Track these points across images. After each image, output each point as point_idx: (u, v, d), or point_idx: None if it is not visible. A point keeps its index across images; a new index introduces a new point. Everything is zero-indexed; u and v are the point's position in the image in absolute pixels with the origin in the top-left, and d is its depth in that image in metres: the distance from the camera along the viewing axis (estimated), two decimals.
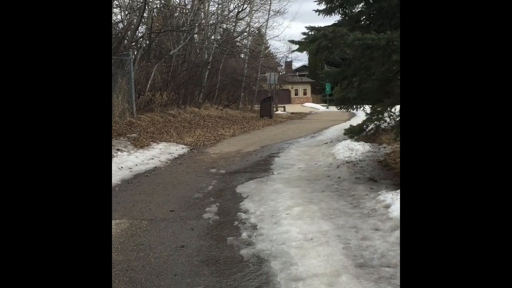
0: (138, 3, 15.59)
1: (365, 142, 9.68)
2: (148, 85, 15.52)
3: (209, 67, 21.42)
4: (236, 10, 24.69)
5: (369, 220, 4.60)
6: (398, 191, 4.93)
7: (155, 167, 8.70)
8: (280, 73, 35.33)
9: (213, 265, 3.74)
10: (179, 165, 8.96)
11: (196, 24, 20.07)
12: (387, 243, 3.89)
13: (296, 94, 52.84)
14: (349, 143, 9.66)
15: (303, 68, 55.21)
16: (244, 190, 6.44)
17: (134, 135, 11.35)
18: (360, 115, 19.05)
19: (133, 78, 13.69)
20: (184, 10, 20.56)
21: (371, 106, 8.70)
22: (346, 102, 9.58)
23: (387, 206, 4.81)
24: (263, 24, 27.95)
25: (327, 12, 7.88)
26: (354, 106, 9.75)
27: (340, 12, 7.86)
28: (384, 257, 3.64)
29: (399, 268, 3.12)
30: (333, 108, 35.14)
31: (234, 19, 25.10)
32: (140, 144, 10.64)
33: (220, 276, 3.50)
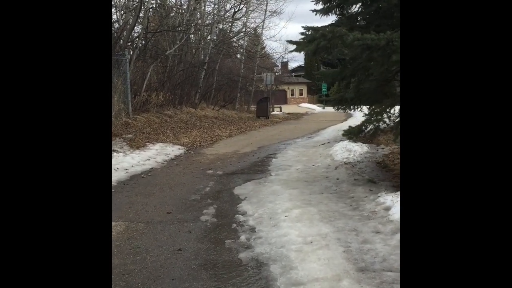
0: (134, 3, 15.49)
1: (363, 143, 9.63)
2: (144, 85, 15.42)
3: (205, 67, 21.33)
4: (233, 10, 24.63)
5: (369, 222, 4.53)
6: (398, 193, 4.88)
7: (152, 168, 8.61)
8: (276, 74, 35.29)
9: (212, 269, 3.67)
10: (175, 166, 8.88)
11: (192, 24, 19.96)
12: (389, 247, 3.83)
13: (292, 94, 52.80)
14: (347, 144, 9.61)
15: (299, 68, 55.12)
16: (242, 192, 6.37)
17: (130, 135, 11.25)
18: (356, 115, 19.02)
19: (129, 78, 13.58)
20: (180, 10, 20.46)
21: (368, 107, 8.66)
22: (344, 103, 9.54)
23: (387, 209, 4.75)
24: (260, 25, 27.87)
25: (324, 12, 7.82)
26: (352, 107, 9.71)
27: (337, 12, 7.80)
28: (385, 261, 3.58)
29: None
30: (329, 109, 35.22)
31: (231, 19, 25.01)
32: (136, 145, 10.55)
33: (218, 281, 3.43)
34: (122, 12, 16.24)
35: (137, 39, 16.34)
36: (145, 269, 3.67)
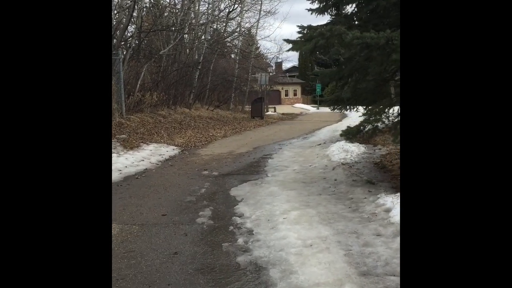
0: (127, 2, 15.33)
1: (360, 143, 9.54)
2: (138, 85, 15.26)
3: (199, 67, 21.20)
4: (227, 10, 24.51)
5: (369, 225, 4.43)
6: (398, 194, 4.79)
7: (146, 169, 8.48)
8: (271, 74, 35.18)
9: (209, 273, 3.55)
10: (170, 167, 8.75)
11: (187, 24, 19.82)
12: (391, 250, 3.73)
13: (287, 95, 52.73)
14: (343, 144, 9.52)
15: (293, 69, 55.10)
16: (238, 193, 6.25)
17: (123, 136, 11.11)
18: (352, 116, 19.01)
19: (122, 78, 13.42)
20: (174, 10, 20.32)
21: (365, 107, 8.57)
22: (340, 103, 9.45)
23: (388, 210, 4.66)
24: (254, 25, 27.76)
25: (320, 11, 7.73)
26: (348, 107, 9.62)
27: (333, 12, 7.71)
28: (388, 264, 3.48)
29: None
30: (323, 109, 35.18)
31: (225, 19, 24.89)
32: (130, 145, 10.40)
33: (216, 286, 3.32)
34: (115, 11, 16.08)
35: (130, 38, 16.19)
36: (140, 273, 3.55)
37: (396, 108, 5.78)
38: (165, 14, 19.94)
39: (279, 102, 47.93)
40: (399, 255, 3.56)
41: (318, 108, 39.20)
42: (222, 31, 25.88)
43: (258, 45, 32.51)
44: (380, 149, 9.36)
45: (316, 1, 7.71)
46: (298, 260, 3.66)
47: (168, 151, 10.74)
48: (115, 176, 7.45)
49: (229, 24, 26.05)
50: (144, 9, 17.79)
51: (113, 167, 7.86)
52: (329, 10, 7.70)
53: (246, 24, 27.84)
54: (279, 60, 37.02)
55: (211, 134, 14.98)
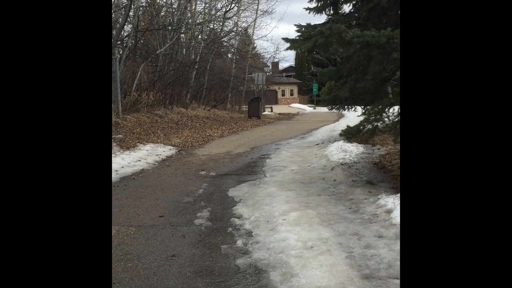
0: (124, 1, 15.22)
1: (358, 143, 9.47)
2: (134, 85, 15.16)
3: (196, 67, 21.09)
4: (224, 10, 24.41)
5: (371, 226, 4.36)
6: (399, 195, 4.71)
7: (142, 169, 8.38)
8: (268, 74, 35.09)
9: (208, 276, 3.47)
10: (167, 167, 8.66)
11: (183, 24, 19.72)
12: (393, 252, 3.65)
13: (283, 94, 52.65)
14: (342, 144, 9.45)
15: (290, 68, 55.06)
16: (237, 194, 6.17)
17: (120, 136, 11.00)
18: (349, 116, 18.95)
19: (118, 78, 13.30)
20: (170, 9, 20.21)
21: (363, 106, 8.51)
22: (338, 102, 9.37)
23: (389, 211, 4.58)
24: (251, 24, 27.66)
25: (318, 10, 7.66)
26: (346, 107, 9.55)
27: (331, 11, 7.64)
28: (391, 267, 3.40)
29: None
30: (320, 109, 35.11)
31: (222, 19, 24.80)
32: (126, 145, 10.31)
33: None
34: (112, 11, 15.96)
35: (127, 38, 16.08)
36: (137, 277, 3.46)
37: (397, 108, 5.70)
38: (162, 13, 19.84)
39: (275, 102, 47.87)
40: None
41: (315, 108, 39.14)
42: (219, 30, 25.79)
43: (255, 44, 32.46)
44: (379, 149, 9.29)
45: (314, 0, 7.65)
46: (299, 262, 3.58)
47: (165, 151, 10.65)
48: (112, 176, 7.35)
49: (226, 23, 25.99)
50: (141, 8, 17.70)
51: None
52: (326, 10, 7.64)
53: (243, 24, 27.79)
54: (275, 60, 36.94)
55: (208, 134, 14.88)
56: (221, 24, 25.59)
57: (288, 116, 28.29)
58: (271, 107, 33.01)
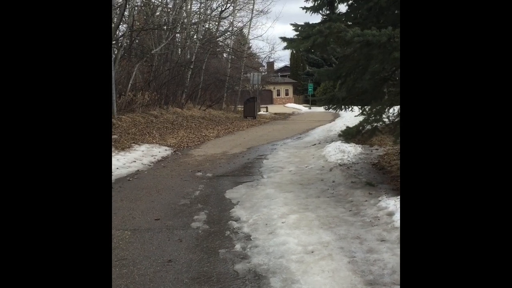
0: (119, 0, 15.06)
1: (356, 143, 9.37)
2: (129, 85, 15.01)
3: (191, 66, 20.94)
4: (219, 9, 24.27)
5: (372, 229, 4.25)
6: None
7: (138, 170, 8.25)
8: (263, 74, 34.97)
9: (205, 283, 3.36)
10: (163, 168, 8.53)
11: (179, 23, 19.57)
12: (397, 257, 3.54)
13: (278, 94, 52.51)
14: (339, 144, 9.35)
15: (285, 68, 54.94)
16: (234, 196, 6.05)
17: (115, 136, 10.86)
18: (345, 115, 18.89)
19: (113, 78, 13.16)
20: (166, 9, 20.07)
21: (360, 106, 8.41)
22: (335, 102, 9.28)
23: (391, 214, 4.48)
24: (247, 24, 27.52)
25: (315, 9, 7.57)
26: (343, 107, 9.47)
27: (327, 10, 7.55)
28: (395, 273, 3.30)
29: None
30: (315, 109, 35.05)
31: (217, 18, 24.65)
32: (121, 146, 10.17)
33: None
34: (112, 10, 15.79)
35: (122, 37, 15.91)
36: (133, 284, 3.34)
37: (397, 108, 5.60)
38: (157, 13, 19.69)
39: (271, 101, 47.74)
40: None
41: (310, 108, 39.07)
42: (215, 30, 25.65)
43: (250, 44, 32.32)
44: (377, 149, 9.20)
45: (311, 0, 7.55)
46: (299, 268, 3.48)
47: (160, 151, 10.53)
48: (111, 176, 7.20)
49: (222, 23, 25.83)
50: (136, 8, 17.53)
51: None
52: (323, 9, 7.55)
53: (239, 24, 27.69)
54: (271, 60, 36.88)
55: (203, 134, 14.76)
56: (216, 24, 25.46)
57: (283, 116, 28.21)
58: (267, 107, 32.90)
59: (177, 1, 19.41)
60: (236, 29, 26.85)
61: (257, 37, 70.76)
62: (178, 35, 20.98)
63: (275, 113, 29.67)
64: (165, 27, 18.35)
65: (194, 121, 17.85)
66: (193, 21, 22.24)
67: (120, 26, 15.24)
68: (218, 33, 25.54)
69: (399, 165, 5.72)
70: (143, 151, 10.17)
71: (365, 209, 4.89)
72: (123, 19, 15.01)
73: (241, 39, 29.37)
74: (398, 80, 6.12)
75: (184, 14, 20.89)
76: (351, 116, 13.19)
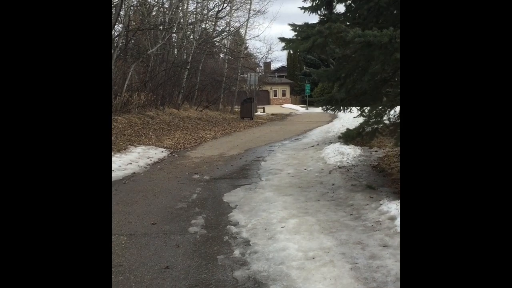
0: (114, 0, 14.93)
1: (355, 145, 9.28)
2: (125, 85, 14.89)
3: (188, 67, 20.83)
4: (216, 9, 24.18)
5: (374, 234, 4.16)
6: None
7: (134, 172, 8.14)
8: (260, 74, 34.88)
9: None
10: (159, 171, 8.41)
11: (175, 23, 19.46)
12: None
13: (275, 95, 52.43)
14: (338, 146, 9.26)
15: (282, 69, 54.91)
16: (232, 199, 5.95)
17: None
18: (343, 116, 18.79)
19: None
20: (162, 9, 19.95)
21: (359, 108, 8.33)
22: (333, 103, 9.20)
23: (392, 218, 4.39)
24: (243, 24, 27.42)
25: (313, 9, 7.50)
26: (342, 108, 9.39)
27: (323, 11, 7.47)
28: (399, 280, 3.19)
29: None
30: (312, 109, 34.97)
31: (214, 18, 24.55)
32: (117, 147, 10.05)
33: None
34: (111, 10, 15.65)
35: (117, 37, 15.79)
36: None
37: (398, 109, 5.51)
38: (153, 13, 19.58)
39: (268, 102, 47.65)
40: None
41: (307, 109, 39.01)
42: (211, 30, 25.55)
43: (247, 44, 32.24)
44: (376, 151, 9.11)
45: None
46: (300, 275, 3.38)
47: (156, 153, 10.41)
48: (111, 178, 7.09)
49: (218, 23, 25.74)
50: (132, 7, 17.41)
51: None
52: (321, 9, 7.47)
53: (236, 24, 27.58)
54: (268, 60, 36.76)
55: (200, 136, 14.65)
56: (213, 24, 25.37)
57: (280, 117, 28.11)
58: (263, 108, 32.81)
59: (174, 1, 19.29)
60: (233, 29, 26.79)
61: (254, 37, 70.57)
62: (175, 35, 20.89)
63: (272, 114, 29.57)
64: (161, 27, 18.24)
65: (190, 122, 17.74)
66: (190, 21, 22.14)
67: (116, 26, 15.15)
68: (214, 33, 25.45)
69: (399, 168, 5.63)
70: (139, 152, 10.05)
71: (366, 213, 4.79)
72: (119, 19, 14.90)
73: (238, 39, 29.30)
74: (398, 81, 6.03)
75: (181, 14, 20.79)
76: (349, 117, 13.13)
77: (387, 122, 5.79)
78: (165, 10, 19.66)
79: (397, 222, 4.23)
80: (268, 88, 47.76)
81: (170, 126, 15.49)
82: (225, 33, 26.05)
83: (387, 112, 5.80)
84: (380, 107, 6.13)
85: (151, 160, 9.54)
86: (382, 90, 6.71)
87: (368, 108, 6.69)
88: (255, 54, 32.97)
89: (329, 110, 10.23)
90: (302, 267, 3.52)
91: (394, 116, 5.89)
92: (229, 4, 24.56)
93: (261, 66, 39.31)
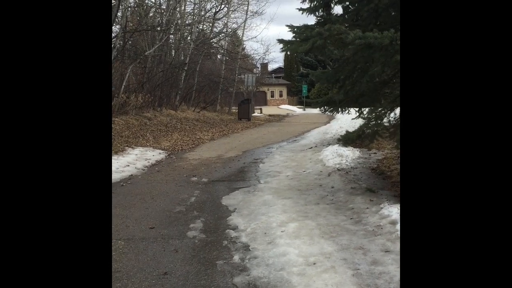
0: (112, 1, 14.86)
1: (354, 147, 9.23)
2: (123, 86, 14.82)
3: (185, 68, 20.75)
4: (213, 11, 24.12)
5: (376, 239, 4.10)
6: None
7: (131, 175, 8.07)
8: (257, 75, 34.82)
9: None
10: (157, 173, 8.35)
11: (172, 25, 19.38)
12: None
13: (272, 96, 52.34)
14: (337, 148, 9.20)
15: (279, 69, 54.83)
16: (231, 202, 5.89)
17: None
18: (340, 118, 18.74)
19: None
20: (159, 10, 19.87)
21: (358, 109, 8.28)
22: (332, 105, 9.14)
23: (394, 223, 4.34)
24: (241, 25, 27.36)
25: (311, 11, 7.44)
26: (340, 109, 9.33)
27: (321, 13, 7.42)
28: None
29: None
30: (310, 110, 34.94)
31: (211, 20, 24.48)
32: (114, 149, 9.97)
33: None
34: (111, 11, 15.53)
35: (115, 39, 15.71)
36: None
37: (398, 112, 5.46)
38: (151, 14, 19.50)
39: (265, 103, 47.57)
40: None
41: (304, 109, 38.97)
42: (209, 31, 25.48)
43: (245, 46, 32.14)
44: (375, 153, 9.06)
45: (307, 0, 7.42)
46: (301, 281, 3.32)
47: (154, 155, 10.34)
48: (111, 180, 7.02)
49: (216, 24, 25.67)
50: (129, 9, 17.33)
51: None
52: (319, 10, 7.42)
53: (233, 25, 27.50)
54: (265, 61, 36.73)
55: (198, 137, 14.58)
56: (210, 25, 25.29)
57: (278, 118, 28.06)
58: (261, 109, 32.74)
59: (171, 2, 19.23)
60: (230, 30, 26.72)
61: (251, 39, 70.72)
62: (172, 36, 20.81)
63: (270, 115, 29.51)
64: (158, 28, 18.16)
65: (188, 123, 17.67)
66: (187, 22, 22.07)
67: (113, 27, 15.07)
68: (212, 35, 25.38)
69: (399, 170, 5.58)
70: (136, 154, 9.98)
71: (367, 217, 4.73)
72: (116, 20, 14.82)
73: (236, 40, 29.24)
74: (397, 83, 5.98)
75: (178, 15, 20.71)
76: (347, 119, 13.06)
77: (387, 124, 5.73)
78: (162, 11, 19.60)
79: (399, 226, 4.18)
80: (265, 89, 47.70)
81: (168, 127, 15.42)
82: (223, 34, 25.99)
83: (387, 114, 5.74)
84: (379, 109, 6.07)
85: (148, 162, 9.48)
86: (381, 92, 6.66)
87: (367, 109, 6.64)
88: (252, 55, 32.95)
89: (327, 112, 10.18)
90: (303, 273, 3.46)
91: (394, 118, 5.84)
92: (227, 5, 24.52)
93: (258, 67, 39.31)
